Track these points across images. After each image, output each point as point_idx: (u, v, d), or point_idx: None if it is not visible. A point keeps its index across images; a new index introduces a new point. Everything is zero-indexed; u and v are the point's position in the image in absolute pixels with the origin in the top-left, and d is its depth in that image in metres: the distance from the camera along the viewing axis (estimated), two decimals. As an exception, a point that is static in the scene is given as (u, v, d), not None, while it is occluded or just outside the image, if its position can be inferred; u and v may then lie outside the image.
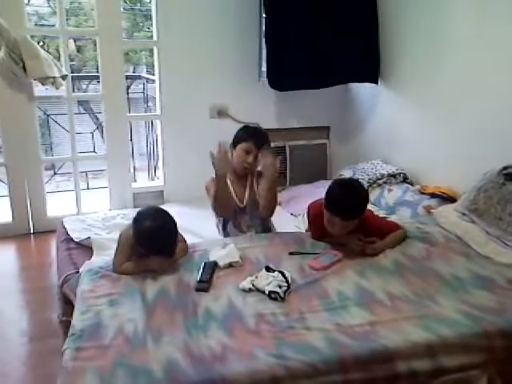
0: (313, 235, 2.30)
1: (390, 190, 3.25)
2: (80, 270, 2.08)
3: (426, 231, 2.38)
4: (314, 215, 2.25)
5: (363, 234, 2.16)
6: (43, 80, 3.25)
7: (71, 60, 5.98)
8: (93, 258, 2.40)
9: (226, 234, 2.47)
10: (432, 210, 2.73)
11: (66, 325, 1.92)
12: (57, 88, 3.32)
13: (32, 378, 2.11)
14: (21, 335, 2.40)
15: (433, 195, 2.96)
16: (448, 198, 2.87)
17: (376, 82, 3.69)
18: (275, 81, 3.61)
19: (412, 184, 3.31)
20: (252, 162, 2.35)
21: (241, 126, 2.54)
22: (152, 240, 1.92)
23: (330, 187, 2.15)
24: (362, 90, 3.94)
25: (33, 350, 2.30)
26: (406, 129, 3.48)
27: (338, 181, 2.34)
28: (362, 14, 3.55)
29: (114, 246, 2.06)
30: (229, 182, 2.37)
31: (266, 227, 2.49)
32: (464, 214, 2.47)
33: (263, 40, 3.64)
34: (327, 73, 3.65)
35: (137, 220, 1.97)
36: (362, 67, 3.66)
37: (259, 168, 2.37)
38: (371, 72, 3.68)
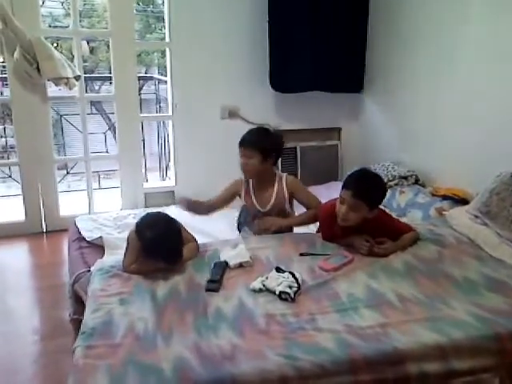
0: (322, 234, 2.29)
1: (401, 192, 3.23)
2: (91, 269, 2.09)
3: (438, 233, 2.37)
4: (325, 217, 2.25)
5: (375, 233, 2.15)
6: (57, 80, 3.29)
7: (84, 61, 6.03)
8: (104, 256, 2.42)
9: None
10: (444, 212, 2.71)
11: (77, 323, 1.93)
12: (70, 88, 3.35)
13: (43, 375, 2.13)
14: (32, 333, 2.42)
15: (445, 197, 2.94)
16: (460, 200, 2.85)
17: (359, 92, 4.04)
18: (277, 83, 3.79)
19: (424, 186, 3.29)
20: (248, 164, 2.30)
21: (251, 127, 2.53)
22: (155, 250, 1.93)
23: None
24: (374, 91, 3.93)
25: (44, 347, 2.32)
26: (418, 130, 3.46)
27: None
28: (353, 28, 3.85)
29: (125, 245, 2.08)
30: (251, 185, 2.38)
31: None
32: (476, 217, 2.45)
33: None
34: (322, 78, 3.89)
35: (138, 228, 1.98)
36: (349, 79, 3.97)
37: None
38: (357, 83, 4.00)
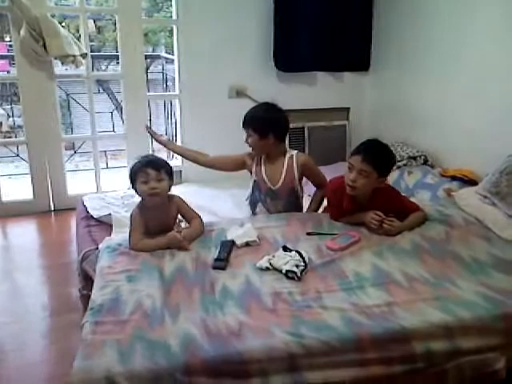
0: (331, 212, 2.28)
1: (409, 173, 3.21)
2: (99, 247, 2.10)
3: (446, 214, 2.35)
4: (334, 191, 2.24)
5: (383, 211, 2.13)
6: (63, 58, 3.27)
7: (91, 40, 5.99)
8: (112, 234, 2.42)
9: (255, 214, 2.46)
10: (452, 193, 2.69)
11: (86, 299, 1.95)
12: (77, 66, 3.34)
13: (52, 350, 2.16)
14: (42, 309, 2.45)
15: (453, 178, 2.92)
16: (469, 181, 2.83)
17: (366, 70, 4.06)
18: (281, 62, 3.80)
19: (432, 167, 3.26)
20: (252, 143, 2.32)
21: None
22: (139, 161, 2.01)
23: None
24: (383, 70, 3.88)
25: (53, 323, 2.35)
26: (427, 111, 3.42)
27: None
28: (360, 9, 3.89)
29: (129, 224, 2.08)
30: (262, 160, 2.37)
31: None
32: (485, 197, 2.43)
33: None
34: (326, 58, 3.90)
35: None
36: (355, 57, 3.99)
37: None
38: (363, 61, 4.03)
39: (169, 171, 2.04)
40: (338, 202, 2.22)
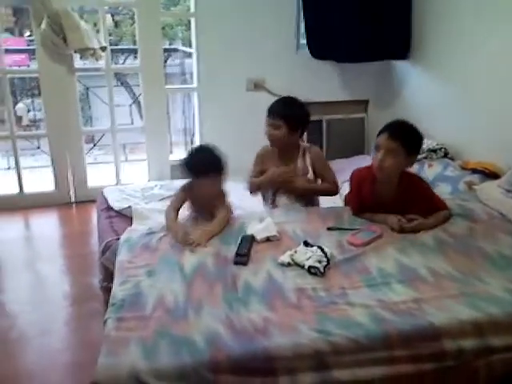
0: (351, 203, 2.25)
1: (430, 165, 3.16)
2: (121, 238, 2.10)
3: (468, 208, 2.31)
4: (358, 179, 2.21)
5: (409, 206, 2.09)
6: (83, 52, 3.30)
7: (109, 35, 5.99)
8: (133, 225, 2.43)
9: (274, 206, 2.45)
10: (474, 187, 2.65)
11: (107, 290, 1.97)
12: (96, 60, 3.35)
13: (73, 337, 2.22)
14: (63, 298, 2.50)
15: (474, 171, 2.87)
16: (490, 174, 2.77)
17: (406, 58, 3.71)
18: (315, 48, 3.63)
19: (453, 159, 3.21)
20: (275, 134, 2.28)
21: (276, 99, 2.46)
22: (199, 157, 2.10)
23: None
24: (402, 63, 3.83)
25: (74, 312, 2.40)
26: (447, 102, 3.36)
27: None
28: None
29: (153, 216, 2.09)
30: (276, 156, 2.37)
31: (313, 204, 2.46)
32: (509, 191, 2.39)
33: (301, 12, 3.58)
34: (362, 48, 3.64)
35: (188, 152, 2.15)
36: (394, 44, 3.65)
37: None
38: (402, 49, 3.67)
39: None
40: (360, 193, 2.18)
